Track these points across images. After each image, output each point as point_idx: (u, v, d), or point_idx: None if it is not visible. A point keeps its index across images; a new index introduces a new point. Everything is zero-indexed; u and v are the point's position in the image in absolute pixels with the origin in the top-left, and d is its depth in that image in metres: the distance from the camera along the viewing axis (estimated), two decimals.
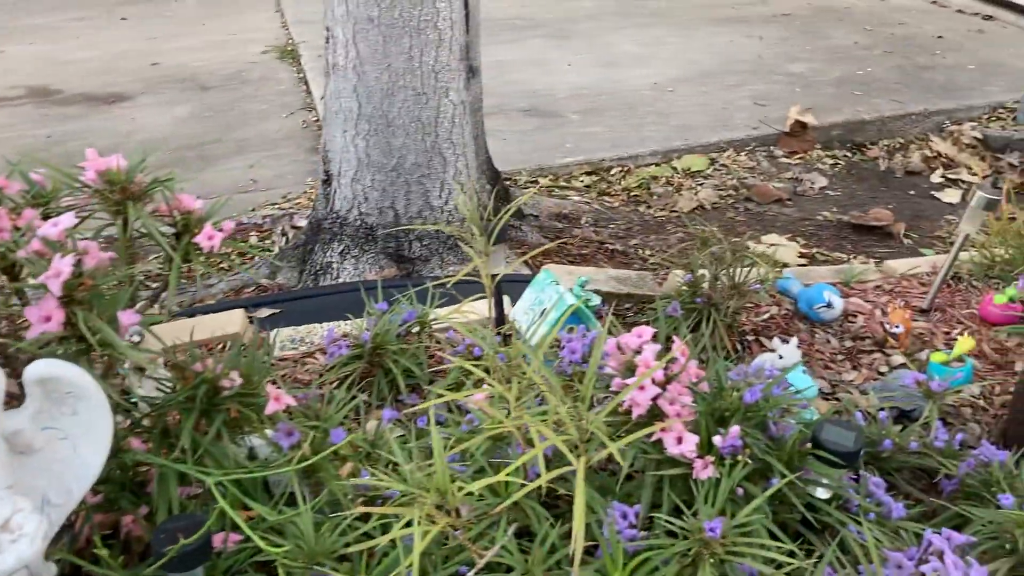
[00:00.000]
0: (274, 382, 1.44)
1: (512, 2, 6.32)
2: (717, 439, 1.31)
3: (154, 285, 1.65)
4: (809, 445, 1.37)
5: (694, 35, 5.55)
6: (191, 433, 1.24)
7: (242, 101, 4.93)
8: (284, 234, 3.08)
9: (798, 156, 3.93)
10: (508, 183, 3.03)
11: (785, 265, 2.81)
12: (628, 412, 1.32)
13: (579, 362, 1.57)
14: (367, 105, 2.41)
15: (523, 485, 1.12)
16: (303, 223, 3.09)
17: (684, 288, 2.02)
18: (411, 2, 2.30)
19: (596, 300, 1.88)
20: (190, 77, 5.37)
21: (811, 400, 1.73)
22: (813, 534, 1.35)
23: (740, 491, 1.31)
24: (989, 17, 5.89)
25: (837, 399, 1.90)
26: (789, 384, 1.61)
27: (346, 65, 2.39)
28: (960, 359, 1.89)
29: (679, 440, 1.30)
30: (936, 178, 3.77)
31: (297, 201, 3.56)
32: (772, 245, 3.02)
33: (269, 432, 1.39)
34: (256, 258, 2.74)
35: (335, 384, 1.82)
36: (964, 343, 1.90)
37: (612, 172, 3.75)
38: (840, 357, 2.07)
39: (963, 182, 3.72)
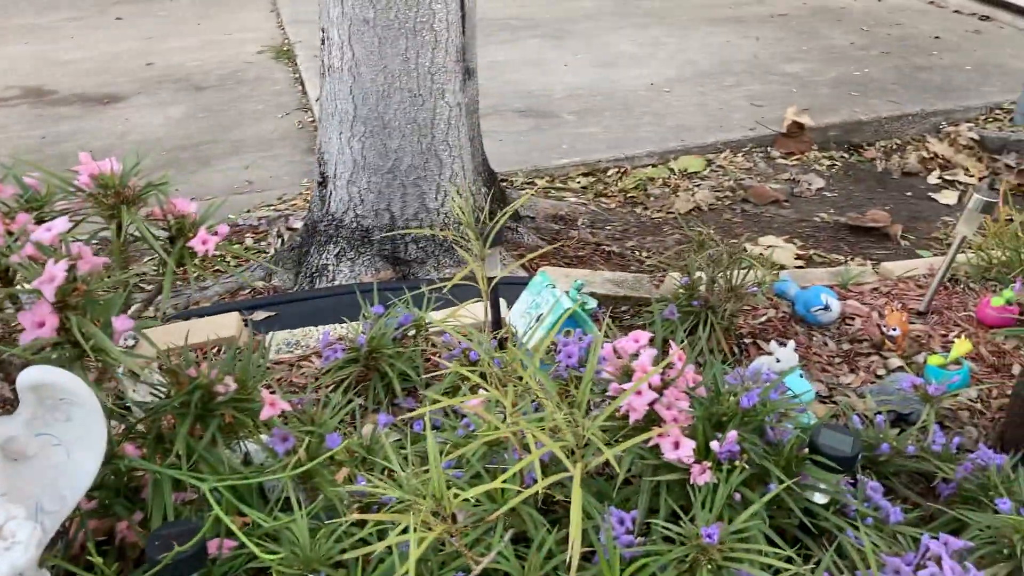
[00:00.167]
0: (269, 387, 1.44)
1: (509, 2, 6.31)
2: (714, 444, 1.31)
3: (148, 287, 1.64)
4: (807, 450, 1.37)
5: (691, 35, 5.55)
6: (186, 439, 1.24)
7: (237, 101, 4.92)
8: (280, 236, 3.07)
9: (795, 157, 3.93)
10: (504, 184, 3.02)
11: (782, 267, 2.80)
12: (625, 417, 1.31)
13: (576, 366, 1.57)
14: (363, 107, 2.40)
15: (519, 491, 1.12)
16: (299, 225, 3.08)
17: (681, 291, 2.01)
18: (407, 4, 2.30)
19: (592, 303, 1.88)
20: (185, 77, 5.36)
21: (808, 404, 1.73)
22: (810, 539, 1.34)
23: (738, 496, 1.31)
24: (986, 17, 5.89)
25: (834, 402, 1.90)
26: (786, 388, 1.61)
27: (342, 67, 2.39)
28: (957, 362, 1.89)
29: (676, 445, 1.29)
30: (933, 179, 3.77)
31: (293, 202, 3.55)
32: (769, 247, 3.02)
33: (264, 437, 1.38)
34: (251, 261, 2.73)
35: (331, 388, 1.81)
36: (961, 346, 1.90)
37: (609, 173, 3.75)
38: (837, 360, 2.07)
39: (960, 183, 3.72)
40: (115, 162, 1.37)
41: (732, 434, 1.32)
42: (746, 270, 1.98)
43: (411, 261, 2.50)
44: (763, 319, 2.19)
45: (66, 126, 4.64)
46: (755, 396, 1.36)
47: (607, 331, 2.08)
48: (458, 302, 2.03)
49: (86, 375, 1.15)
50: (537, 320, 1.76)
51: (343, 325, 2.03)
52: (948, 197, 3.60)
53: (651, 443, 1.29)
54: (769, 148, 4.00)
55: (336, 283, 2.44)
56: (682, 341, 1.84)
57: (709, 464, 1.30)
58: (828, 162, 3.93)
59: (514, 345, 1.80)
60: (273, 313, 2.22)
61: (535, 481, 1.30)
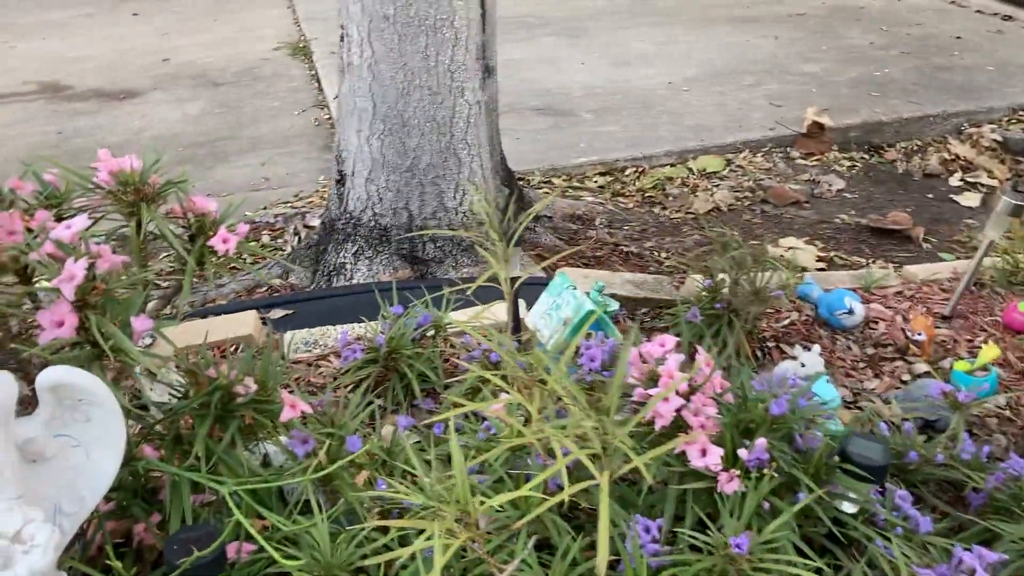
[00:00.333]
0: (288, 387, 1.42)
1: None
2: (743, 452, 1.28)
3: (164, 284, 1.62)
4: (836, 458, 1.34)
5: (708, 34, 5.51)
6: (205, 440, 1.22)
7: (254, 98, 4.91)
8: (296, 233, 3.06)
9: (815, 158, 3.89)
10: (521, 183, 3.00)
11: (804, 269, 2.77)
12: (650, 423, 1.29)
13: (598, 370, 1.54)
14: (382, 105, 2.38)
15: (544, 498, 1.09)
16: (316, 222, 3.07)
17: (703, 293, 1.99)
18: (427, 1, 2.27)
19: (614, 305, 1.85)
20: (201, 73, 5.35)
21: (834, 410, 1.70)
22: (840, 549, 1.31)
23: (765, 505, 1.28)
24: (1008, 17, 5.82)
25: (860, 408, 1.87)
26: (814, 394, 1.58)
27: (361, 64, 2.37)
28: (984, 368, 1.86)
29: (703, 452, 1.27)
30: (955, 181, 3.72)
31: (309, 200, 3.53)
32: (790, 248, 2.98)
33: (284, 439, 1.36)
34: (268, 258, 2.72)
35: (349, 388, 1.79)
36: (989, 352, 1.87)
37: (627, 172, 3.72)
38: (861, 365, 2.04)
39: (982, 186, 3.67)
40: (135, 159, 1.36)
41: (761, 442, 1.29)
42: (770, 273, 1.95)
43: (429, 260, 2.48)
44: (786, 322, 2.16)
45: (82, 122, 4.64)
46: (784, 404, 1.33)
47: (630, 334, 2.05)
48: (478, 302, 2.01)
49: (104, 375, 1.14)
50: (561, 323, 1.73)
51: (361, 324, 2.02)
52: (970, 199, 3.55)
53: (678, 450, 1.27)
54: (788, 148, 3.96)
55: (354, 282, 2.42)
56: (709, 347, 1.81)
57: (737, 472, 1.27)
58: (848, 163, 3.88)
59: (536, 347, 1.78)
60: (291, 311, 2.20)
61: (559, 487, 1.28)
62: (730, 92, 4.51)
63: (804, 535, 1.29)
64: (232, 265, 2.63)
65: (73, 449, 1.08)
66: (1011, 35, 5.44)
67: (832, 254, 3.03)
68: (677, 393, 1.28)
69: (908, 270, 2.47)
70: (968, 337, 2.11)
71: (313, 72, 5.27)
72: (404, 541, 1.19)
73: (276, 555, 1.06)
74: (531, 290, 2.02)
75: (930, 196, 3.61)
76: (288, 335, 2.02)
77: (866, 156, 3.96)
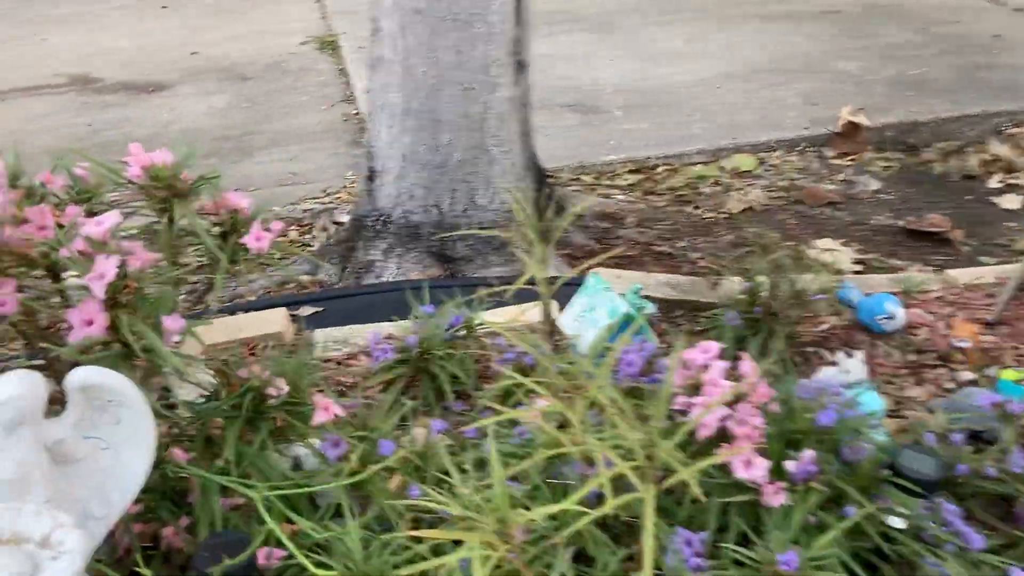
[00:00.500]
0: (319, 388, 1.39)
1: None
2: (790, 464, 1.24)
3: (193, 279, 1.60)
4: (886, 471, 1.29)
5: (741, 31, 5.43)
6: (236, 443, 1.19)
7: (281, 92, 4.90)
8: (325, 229, 3.03)
9: (850, 157, 3.82)
10: (551, 180, 2.95)
11: (840, 272, 2.71)
12: (691, 431, 1.25)
13: (636, 375, 1.50)
14: (413, 100, 2.35)
15: (585, 512, 1.05)
16: (344, 218, 3.05)
17: (742, 296, 1.94)
18: None
19: (651, 308, 1.81)
20: (229, 67, 5.35)
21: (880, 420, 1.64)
22: (888, 566, 1.26)
23: (811, 519, 1.23)
24: None
25: (902, 417, 1.81)
26: (859, 403, 1.53)
27: (392, 58, 2.34)
28: None
29: (748, 464, 1.23)
30: (994, 183, 3.63)
31: (337, 195, 3.51)
32: (826, 250, 2.92)
33: (315, 442, 1.33)
34: (296, 254, 2.70)
35: (379, 388, 1.76)
36: None
37: (658, 171, 3.66)
38: (903, 371, 1.98)
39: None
40: (167, 153, 1.33)
41: (809, 453, 1.24)
42: (811, 276, 1.90)
43: (459, 259, 2.45)
44: (825, 327, 2.10)
45: (112, 114, 4.65)
46: (832, 413, 1.29)
47: (664, 336, 2.01)
48: (509, 302, 1.97)
49: (134, 375, 1.11)
50: (595, 326, 1.69)
51: (391, 323, 1.98)
52: (1011, 202, 3.46)
53: (722, 461, 1.22)
54: (823, 148, 3.88)
55: (383, 279, 2.40)
56: (756, 356, 1.75)
57: (783, 485, 1.23)
58: (884, 163, 3.80)
59: (571, 350, 1.74)
60: (320, 309, 2.18)
61: (597, 497, 1.24)
62: (763, 89, 4.44)
63: (851, 550, 1.24)
64: (260, 261, 2.61)
65: (103, 451, 1.05)
66: None
67: (869, 256, 2.97)
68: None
69: (950, 274, 2.40)
70: (1015, 344, 2.04)
71: (341, 67, 5.25)
72: (438, 550, 1.15)
73: (309, 565, 1.03)
74: (562, 290, 1.98)
75: (969, 198, 3.52)
76: (317, 333, 1.99)
77: (902, 156, 3.88)
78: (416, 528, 1.22)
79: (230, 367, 1.27)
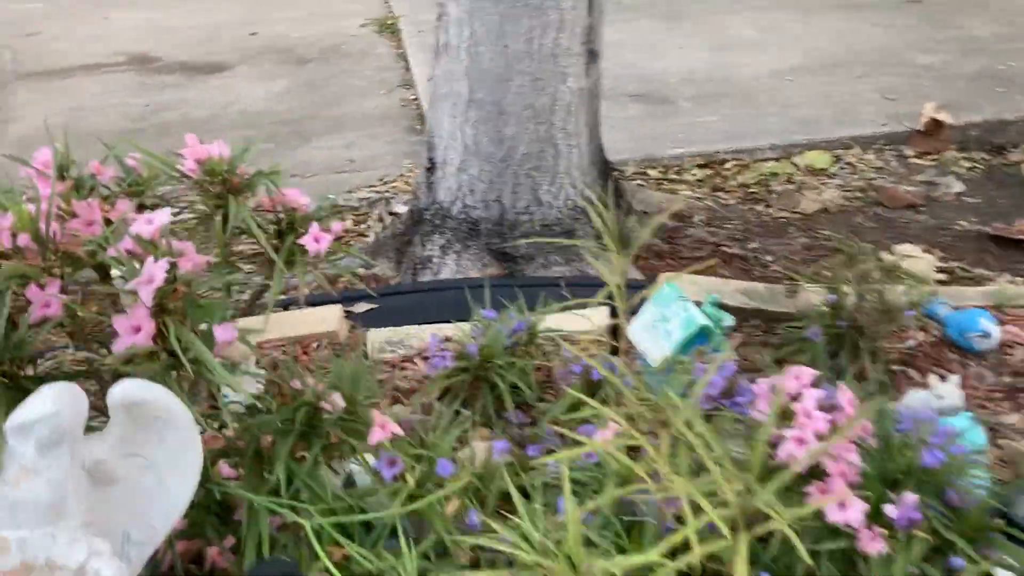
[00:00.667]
0: (376, 402, 1.30)
1: None
2: (890, 508, 1.12)
3: (246, 269, 1.52)
4: (997, 519, 1.16)
5: (816, 20, 5.22)
6: (287, 463, 1.11)
7: (340, 76, 4.84)
8: (381, 220, 2.96)
9: (931, 157, 3.62)
10: (616, 174, 2.83)
11: (925, 283, 2.55)
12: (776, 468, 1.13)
13: (716, 397, 1.39)
14: (479, 90, 2.25)
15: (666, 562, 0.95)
16: (400, 208, 2.97)
17: (824, 309, 1.81)
18: None
19: (729, 320, 1.69)
20: (288, 49, 5.30)
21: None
22: None
23: (912, 570, 1.11)
24: None
25: (998, 446, 1.67)
26: (959, 435, 1.39)
27: (459, 46, 2.24)
28: None
29: (842, 505, 1.11)
30: None
31: (394, 184, 3.43)
32: (906, 256, 2.75)
33: (370, 458, 1.25)
34: (351, 246, 2.62)
35: (436, 396, 1.68)
36: None
37: (727, 166, 3.51)
38: (998, 395, 1.84)
39: None
40: (223, 146, 1.25)
41: (912, 497, 1.12)
42: (902, 288, 1.77)
43: (518, 257, 2.35)
44: (911, 343, 1.96)
45: (170, 95, 4.64)
46: (939, 453, 1.16)
47: (738, 351, 1.89)
48: (569, 297, 1.87)
49: (181, 387, 1.03)
50: (668, 338, 1.58)
51: (450, 325, 1.89)
52: None
53: (814, 501, 1.11)
54: (902, 146, 3.69)
55: (441, 277, 2.31)
56: (847, 378, 1.62)
57: (882, 530, 1.11)
58: (968, 164, 3.60)
59: (641, 364, 1.63)
60: (375, 306, 2.10)
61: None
62: (838, 83, 4.25)
63: None
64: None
65: (145, 471, 0.97)
66: None
67: (953, 264, 2.79)
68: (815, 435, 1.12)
69: None
70: None
71: (400, 51, 5.17)
72: None
73: None
74: (629, 293, 1.86)
75: None
76: (372, 333, 1.91)
77: (987, 157, 3.67)
78: (476, 561, 1.13)
79: (282, 377, 1.19)
